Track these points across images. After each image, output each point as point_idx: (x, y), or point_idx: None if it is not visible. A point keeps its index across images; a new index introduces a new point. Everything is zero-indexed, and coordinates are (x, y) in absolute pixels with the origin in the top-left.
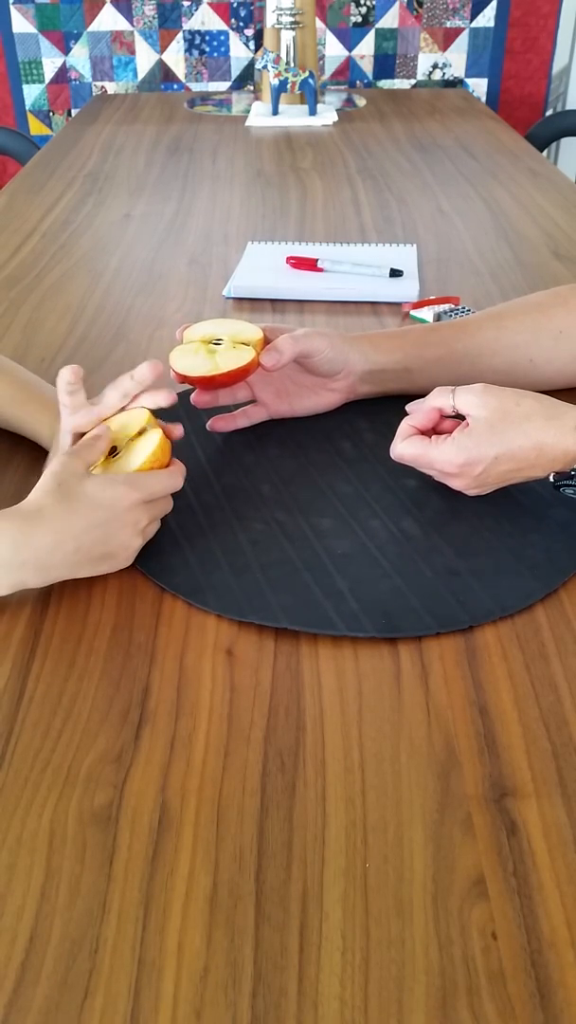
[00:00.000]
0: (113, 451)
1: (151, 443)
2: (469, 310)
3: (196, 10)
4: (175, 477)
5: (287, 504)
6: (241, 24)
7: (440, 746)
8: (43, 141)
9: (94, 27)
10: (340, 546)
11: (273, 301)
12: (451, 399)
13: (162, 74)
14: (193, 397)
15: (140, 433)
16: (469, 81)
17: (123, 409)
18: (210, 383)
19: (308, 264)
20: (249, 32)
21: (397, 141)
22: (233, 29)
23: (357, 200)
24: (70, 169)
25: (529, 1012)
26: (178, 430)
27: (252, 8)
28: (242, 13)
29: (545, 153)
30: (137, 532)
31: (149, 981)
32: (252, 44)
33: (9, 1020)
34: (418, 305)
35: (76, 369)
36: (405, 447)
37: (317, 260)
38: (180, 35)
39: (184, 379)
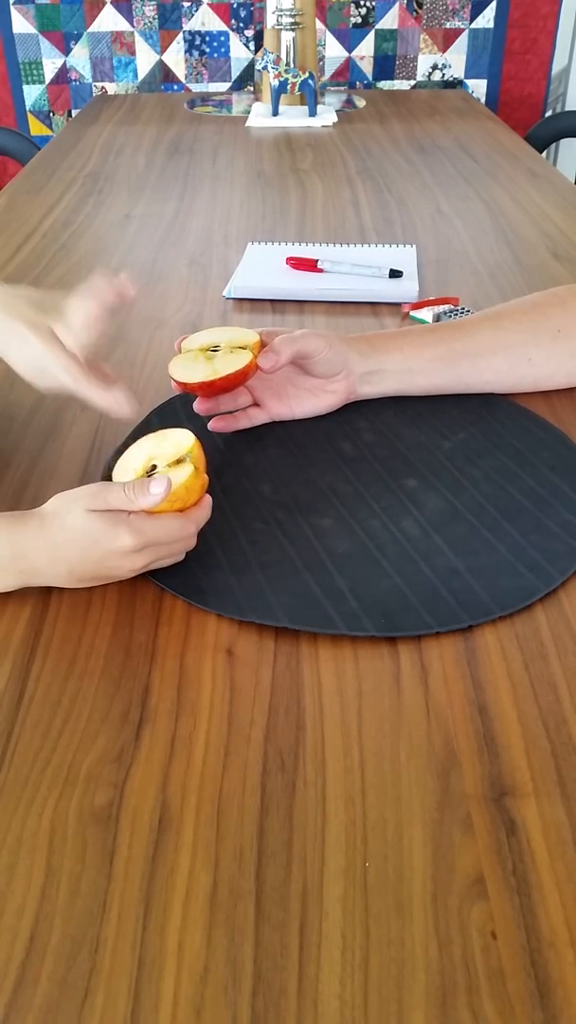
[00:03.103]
0: (153, 469)
1: (176, 479)
2: (468, 311)
3: (196, 11)
4: (187, 526)
5: (287, 504)
6: (241, 25)
7: (440, 745)
8: (43, 141)
9: (94, 28)
10: (340, 546)
11: (273, 302)
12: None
13: (162, 75)
14: (196, 405)
15: (179, 461)
16: (469, 82)
17: (167, 425)
18: (210, 388)
19: (308, 265)
20: (249, 33)
21: (397, 142)
22: (233, 30)
23: (357, 201)
24: (70, 170)
25: (528, 1011)
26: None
27: (252, 9)
28: (242, 14)
29: (544, 154)
30: (131, 572)
31: (149, 980)
32: (252, 45)
33: (9, 1020)
34: (417, 306)
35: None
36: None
37: (317, 261)
38: (180, 36)
39: (184, 387)
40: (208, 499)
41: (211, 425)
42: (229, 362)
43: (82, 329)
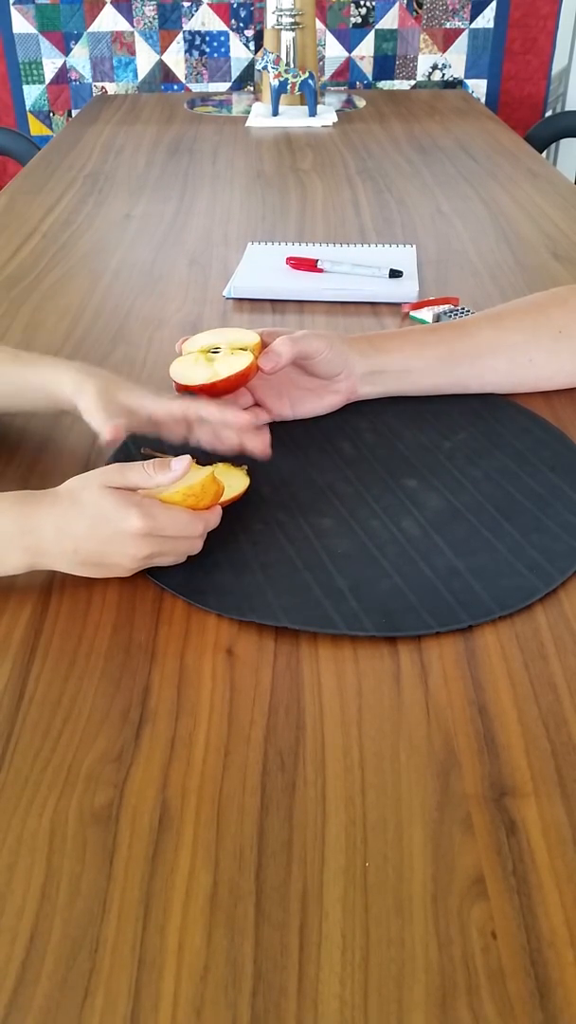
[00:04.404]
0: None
1: (194, 477)
2: (468, 311)
3: (196, 11)
4: (195, 524)
5: (287, 504)
6: (241, 25)
7: (440, 745)
8: (43, 141)
9: (94, 28)
10: (340, 546)
11: (273, 302)
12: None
13: (162, 75)
14: None
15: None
16: (469, 82)
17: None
18: (211, 390)
19: (308, 265)
20: (249, 33)
21: (397, 142)
22: (233, 30)
23: (357, 201)
24: (70, 169)
25: (528, 1011)
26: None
27: (252, 9)
28: (242, 14)
29: (544, 154)
30: (135, 558)
31: (149, 980)
32: (252, 45)
33: (9, 1020)
34: (418, 306)
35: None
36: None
37: (317, 261)
38: (180, 36)
39: (185, 389)
40: (218, 509)
41: None
42: (230, 364)
43: (139, 401)
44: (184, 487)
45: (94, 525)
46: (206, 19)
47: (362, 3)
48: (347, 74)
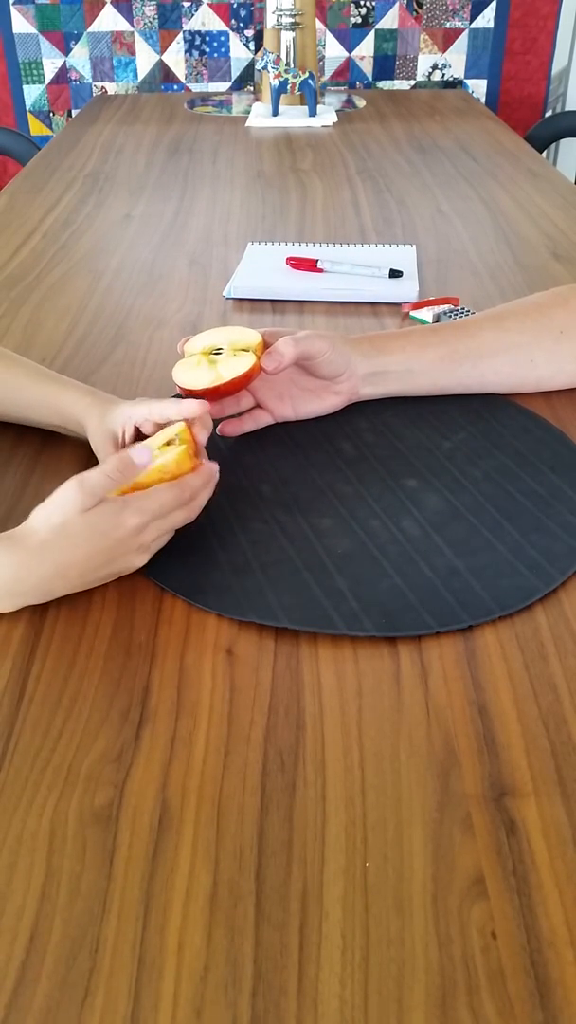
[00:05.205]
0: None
1: (166, 456)
2: (469, 311)
3: (196, 11)
4: (179, 493)
5: (287, 504)
6: (241, 25)
7: (440, 745)
8: (43, 141)
9: (94, 28)
10: (340, 546)
11: (273, 302)
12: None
13: (162, 75)
14: None
15: (168, 443)
16: (469, 82)
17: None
18: (215, 393)
19: (308, 265)
20: (249, 33)
21: (397, 142)
22: (233, 30)
23: (357, 201)
24: (70, 169)
25: (528, 1011)
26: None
27: (252, 9)
28: (242, 14)
29: (544, 154)
30: (141, 549)
31: (149, 980)
32: (252, 45)
33: (9, 1020)
34: (418, 306)
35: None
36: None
37: (317, 261)
38: (180, 36)
39: (189, 393)
40: (205, 467)
41: (219, 429)
42: (233, 366)
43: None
44: (158, 466)
45: (94, 545)
46: (206, 19)
47: (362, 3)
48: (347, 74)
